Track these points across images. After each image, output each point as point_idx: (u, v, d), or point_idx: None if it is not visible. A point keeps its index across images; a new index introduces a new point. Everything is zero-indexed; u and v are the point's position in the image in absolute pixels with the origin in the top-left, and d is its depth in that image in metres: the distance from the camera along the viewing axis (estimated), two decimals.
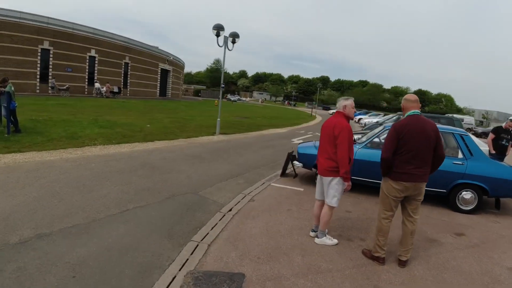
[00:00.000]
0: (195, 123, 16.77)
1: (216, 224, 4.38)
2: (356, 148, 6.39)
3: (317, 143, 7.00)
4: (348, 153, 3.79)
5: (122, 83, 36.78)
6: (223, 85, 14.46)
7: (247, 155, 9.54)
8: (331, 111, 55.95)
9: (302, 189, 6.55)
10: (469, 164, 5.94)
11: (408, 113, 3.60)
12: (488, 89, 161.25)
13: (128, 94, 36.89)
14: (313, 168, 6.71)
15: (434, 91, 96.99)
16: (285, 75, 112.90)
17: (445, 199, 6.17)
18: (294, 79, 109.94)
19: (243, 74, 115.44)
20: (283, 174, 7.46)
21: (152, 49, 43.03)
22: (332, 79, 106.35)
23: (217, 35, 12.36)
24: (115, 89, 33.60)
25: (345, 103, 4.02)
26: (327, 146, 3.99)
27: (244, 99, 76.99)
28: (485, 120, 50.78)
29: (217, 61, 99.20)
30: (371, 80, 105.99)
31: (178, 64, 53.14)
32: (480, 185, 5.90)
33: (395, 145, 3.49)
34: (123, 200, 4.95)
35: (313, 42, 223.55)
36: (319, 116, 39.88)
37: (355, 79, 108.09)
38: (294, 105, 76.34)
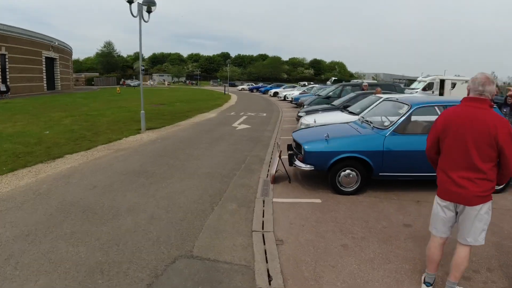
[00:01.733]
0: (106, 119, 13.13)
1: None
2: (381, 136, 4.88)
3: (320, 133, 5.27)
4: None
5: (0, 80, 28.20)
6: (143, 67, 11.31)
7: (203, 157, 7.21)
8: (240, 87, 54.97)
9: (319, 200, 4.77)
10: None
11: None
12: (374, 54, 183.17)
13: (9, 93, 28.33)
14: (328, 171, 4.96)
15: (327, 59, 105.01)
16: (185, 54, 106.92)
17: None
18: (195, 58, 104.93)
19: (138, 56, 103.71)
20: (274, 179, 5.52)
21: (32, 34, 34.10)
22: (233, 55, 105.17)
23: (130, 1, 9.22)
24: (1, 88, 25.73)
25: (493, 87, 2.36)
26: (475, 158, 2.30)
27: (150, 83, 69.96)
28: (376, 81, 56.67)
29: (109, 44, 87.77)
30: (270, 53, 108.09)
31: (65, 50, 43.95)
32: None
33: None
34: None
35: (209, 20, 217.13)
36: (232, 94, 38.21)
37: (255, 53, 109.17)
38: (196, 84, 72.85)
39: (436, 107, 5.17)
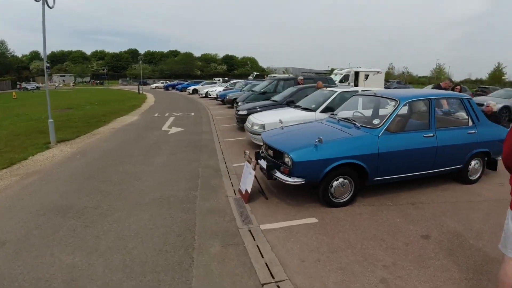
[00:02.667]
0: (3, 132, 10.09)
1: None
2: (374, 136, 4.26)
3: (302, 136, 4.42)
4: None
5: None
6: (48, 65, 8.80)
7: (144, 175, 5.68)
8: (153, 86, 51.06)
9: (315, 219, 3.91)
10: (479, 130, 5.01)
11: None
12: (284, 49, 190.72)
13: None
14: (320, 182, 4.10)
15: (239, 55, 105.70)
16: (88, 51, 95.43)
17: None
18: (99, 55, 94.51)
19: (35, 55, 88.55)
20: (249, 198, 4.46)
21: None
22: (141, 51, 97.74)
23: None
24: None
25: None
26: None
27: (55, 84, 60.12)
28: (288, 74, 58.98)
29: (1, 43, 73.74)
30: (181, 49, 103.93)
31: None
32: (486, 151, 5.15)
33: None
34: None
35: (114, 15, 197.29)
36: (147, 93, 35.06)
37: (165, 49, 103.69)
38: (102, 84, 65.52)
39: (422, 101, 4.79)
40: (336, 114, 5.47)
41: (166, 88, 46.19)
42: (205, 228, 3.67)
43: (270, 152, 4.59)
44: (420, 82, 69.49)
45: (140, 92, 34.10)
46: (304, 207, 4.28)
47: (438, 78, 70.24)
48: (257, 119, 7.39)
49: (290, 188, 4.80)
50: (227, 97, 17.49)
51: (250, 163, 4.61)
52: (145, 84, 57.76)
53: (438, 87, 7.83)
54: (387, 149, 4.24)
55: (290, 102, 9.57)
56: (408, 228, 3.76)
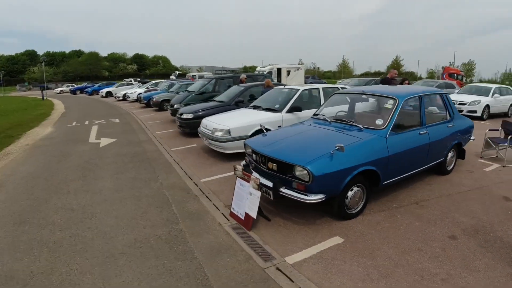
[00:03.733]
0: None
1: None
2: (382, 138, 3.92)
3: (306, 143, 3.86)
4: None
5: None
6: None
7: (96, 209, 4.36)
8: (57, 90, 44.24)
9: (340, 239, 3.39)
10: (455, 123, 5.23)
11: None
12: (196, 48, 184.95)
13: None
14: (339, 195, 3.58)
15: (150, 54, 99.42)
16: None
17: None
18: None
19: None
20: (251, 223, 3.69)
21: None
22: (40, 52, 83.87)
23: None
24: None
25: None
26: None
27: None
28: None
29: None
30: (85, 49, 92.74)
31: None
32: (460, 142, 5.37)
33: None
34: None
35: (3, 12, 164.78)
36: (52, 99, 30.13)
37: (67, 50, 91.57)
38: None
39: (418, 98, 4.64)
40: (320, 115, 5.02)
41: (73, 92, 40.53)
42: (222, 279, 2.79)
43: (273, 165, 3.85)
44: (325, 76, 75.28)
45: (45, 98, 29.06)
46: (317, 225, 3.72)
47: (344, 73, 77.36)
48: (217, 123, 6.52)
49: (287, 203, 4.17)
50: (154, 99, 15.89)
51: (246, 181, 3.82)
52: (47, 88, 49.78)
53: (386, 79, 8.10)
54: (395, 150, 3.97)
55: (239, 102, 8.93)
56: (431, 230, 3.61)
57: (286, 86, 7.83)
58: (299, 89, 7.09)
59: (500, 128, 6.62)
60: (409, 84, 8.21)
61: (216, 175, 5.70)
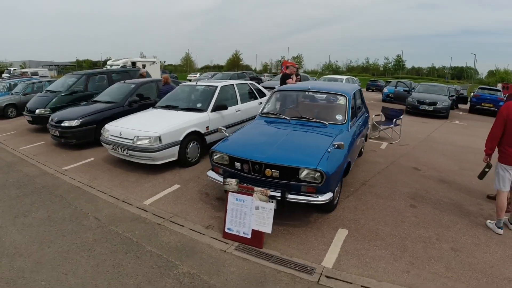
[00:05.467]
0: None
1: None
2: (347, 131, 4.38)
3: (292, 142, 3.94)
4: None
5: None
6: None
7: (36, 282, 3.06)
8: None
9: (346, 230, 3.59)
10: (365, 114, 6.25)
11: None
12: (17, 41, 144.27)
13: None
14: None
15: None
16: None
17: None
18: None
19: None
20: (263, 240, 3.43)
21: None
22: None
23: None
24: None
25: None
26: None
27: None
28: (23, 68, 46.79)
29: None
30: None
31: None
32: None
33: None
34: None
35: None
36: None
37: None
38: None
39: (355, 93, 5.25)
40: (270, 113, 5.03)
41: None
42: None
43: (274, 171, 3.60)
44: (169, 70, 74.66)
45: None
46: (315, 223, 3.87)
47: (188, 66, 77.70)
48: (139, 129, 5.51)
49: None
50: None
51: (247, 194, 3.47)
52: None
53: (286, 74, 8.75)
54: (353, 141, 4.46)
55: (132, 102, 7.87)
56: (394, 204, 4.44)
57: (199, 83, 7.33)
58: (217, 86, 6.78)
59: (381, 113, 8.36)
60: (300, 79, 9.11)
61: (158, 193, 4.89)
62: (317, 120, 4.58)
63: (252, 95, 7.85)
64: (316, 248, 3.37)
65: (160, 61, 27.67)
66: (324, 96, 5.54)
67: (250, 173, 3.80)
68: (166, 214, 4.21)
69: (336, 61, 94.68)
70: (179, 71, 65.64)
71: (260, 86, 8.42)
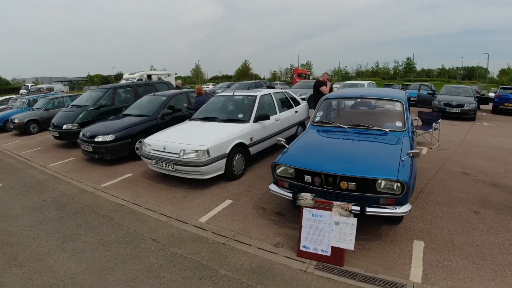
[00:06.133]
0: None
1: None
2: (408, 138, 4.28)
3: (365, 153, 3.72)
4: None
5: None
6: None
7: None
8: None
9: (422, 242, 3.26)
10: None
11: None
12: (28, 58, 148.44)
13: None
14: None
15: None
16: None
17: None
18: None
19: None
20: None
21: None
22: None
23: None
24: None
25: None
26: None
27: None
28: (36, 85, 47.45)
29: None
30: None
31: None
32: None
33: None
34: None
35: None
36: None
37: None
38: None
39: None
40: (320, 122, 4.82)
41: None
42: None
43: (350, 184, 3.33)
44: None
45: None
46: (387, 235, 3.67)
47: (198, 77, 78.43)
48: (185, 143, 5.26)
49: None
50: (16, 120, 11.93)
51: (324, 209, 3.18)
52: None
53: (319, 81, 8.48)
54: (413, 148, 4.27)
55: (165, 115, 7.68)
56: (458, 211, 4.25)
57: (236, 93, 7.11)
58: (256, 95, 6.54)
59: (417, 118, 8.04)
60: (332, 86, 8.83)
61: (211, 209, 4.61)
62: (377, 128, 4.37)
63: (287, 103, 7.59)
64: (398, 263, 3.18)
65: (175, 73, 27.82)
66: (378, 102, 5.28)
67: (323, 187, 3.53)
68: (227, 233, 3.93)
69: (345, 66, 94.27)
70: (188, 82, 66.08)
71: (294, 95, 8.16)
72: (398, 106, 4.68)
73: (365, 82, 15.23)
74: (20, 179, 6.59)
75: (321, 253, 3.22)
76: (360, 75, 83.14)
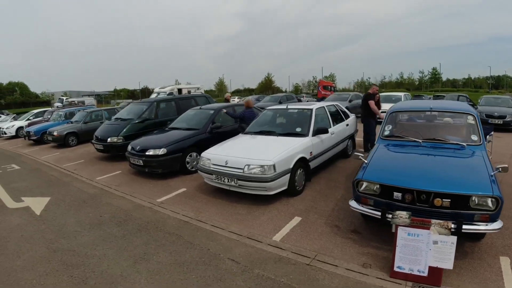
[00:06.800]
0: None
1: None
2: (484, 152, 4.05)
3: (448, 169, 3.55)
4: None
5: None
6: None
7: None
8: None
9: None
10: None
11: None
12: (57, 72, 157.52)
13: None
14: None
15: (3, 81, 78.65)
16: None
17: None
18: None
19: None
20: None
21: None
22: None
23: None
24: None
25: None
26: None
27: None
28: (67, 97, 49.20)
29: None
30: None
31: None
32: None
33: None
34: None
35: None
36: None
37: None
38: None
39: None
40: (392, 136, 4.66)
41: None
42: None
43: (444, 201, 3.24)
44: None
45: None
46: (477, 253, 3.46)
47: (220, 90, 79.51)
48: (249, 158, 5.14)
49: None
50: (55, 133, 12.27)
51: (421, 228, 3.01)
52: None
53: (368, 94, 8.29)
54: None
55: (214, 129, 7.65)
56: None
57: (290, 106, 7.01)
58: (312, 109, 6.41)
59: None
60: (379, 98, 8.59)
61: (281, 227, 4.44)
62: (454, 142, 4.26)
63: (338, 116, 7.42)
64: (490, 280, 3.09)
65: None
66: (448, 115, 5.05)
67: (415, 204, 3.36)
68: (308, 252, 3.74)
69: (369, 77, 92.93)
70: (212, 96, 67.14)
71: (344, 108, 7.99)
72: (471, 120, 4.55)
73: (401, 94, 14.89)
74: (69, 193, 6.64)
75: (418, 273, 3.06)
76: (385, 86, 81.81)
